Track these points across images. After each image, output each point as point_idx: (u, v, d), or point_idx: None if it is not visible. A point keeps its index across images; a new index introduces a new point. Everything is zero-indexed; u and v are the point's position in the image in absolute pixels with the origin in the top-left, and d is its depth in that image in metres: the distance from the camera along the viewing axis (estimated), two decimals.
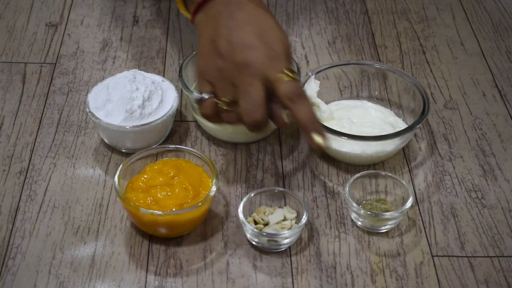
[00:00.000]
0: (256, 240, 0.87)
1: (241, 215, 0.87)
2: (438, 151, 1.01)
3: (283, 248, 0.88)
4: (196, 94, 0.89)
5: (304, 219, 0.87)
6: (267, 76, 0.83)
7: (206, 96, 0.87)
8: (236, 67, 0.83)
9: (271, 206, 0.91)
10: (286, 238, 0.86)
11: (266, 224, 0.88)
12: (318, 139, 0.82)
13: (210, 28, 0.87)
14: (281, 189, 0.91)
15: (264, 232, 0.86)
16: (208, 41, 0.86)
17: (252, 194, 0.90)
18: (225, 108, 0.86)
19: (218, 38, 0.85)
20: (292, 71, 0.83)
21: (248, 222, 0.87)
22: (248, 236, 0.88)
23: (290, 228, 0.87)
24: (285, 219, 0.89)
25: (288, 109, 0.83)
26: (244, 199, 0.89)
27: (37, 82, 1.10)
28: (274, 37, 0.85)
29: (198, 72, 0.88)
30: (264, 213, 0.89)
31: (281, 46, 0.84)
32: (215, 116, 0.87)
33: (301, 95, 0.83)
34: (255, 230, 0.86)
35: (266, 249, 0.88)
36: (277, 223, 0.88)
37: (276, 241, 0.87)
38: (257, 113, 0.83)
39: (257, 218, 0.88)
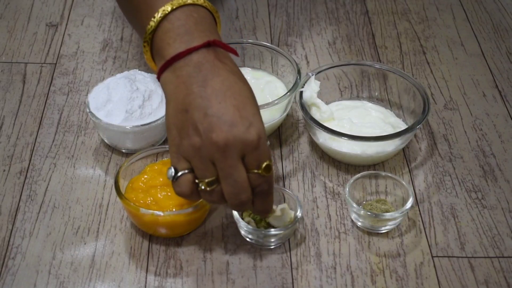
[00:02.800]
0: (250, 236, 0.87)
1: (235, 212, 0.87)
2: (438, 151, 1.01)
3: (278, 244, 0.88)
4: (172, 171, 0.80)
5: (298, 215, 0.87)
6: (246, 159, 0.78)
7: (185, 171, 0.79)
8: (216, 147, 0.76)
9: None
10: (279, 234, 0.87)
11: (261, 220, 0.89)
12: (262, 216, 0.86)
13: (180, 94, 0.78)
14: (275, 186, 0.91)
15: (257, 229, 0.86)
16: (180, 110, 0.78)
17: None
18: (206, 188, 0.79)
19: (192, 110, 0.77)
20: (267, 169, 0.79)
21: (244, 218, 0.87)
22: (243, 232, 0.88)
23: (284, 224, 0.88)
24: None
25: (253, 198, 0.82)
26: None
27: (37, 82, 1.10)
28: (252, 110, 0.78)
29: (169, 144, 0.80)
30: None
31: (260, 125, 0.78)
32: (192, 194, 0.80)
33: (266, 192, 0.81)
34: (249, 226, 0.86)
35: (261, 245, 0.88)
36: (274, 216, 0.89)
37: (270, 237, 0.87)
38: (242, 195, 0.79)
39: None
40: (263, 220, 0.88)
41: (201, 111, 0.77)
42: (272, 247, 0.88)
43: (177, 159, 0.80)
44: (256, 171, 0.79)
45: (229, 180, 0.78)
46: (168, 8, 0.81)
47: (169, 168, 0.80)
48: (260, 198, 0.82)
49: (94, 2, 1.26)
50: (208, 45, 0.80)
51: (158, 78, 0.83)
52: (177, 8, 0.82)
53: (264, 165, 0.79)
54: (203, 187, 0.79)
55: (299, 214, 0.87)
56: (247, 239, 0.88)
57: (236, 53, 0.84)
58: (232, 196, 0.79)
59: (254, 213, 0.86)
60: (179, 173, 0.79)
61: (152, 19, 0.82)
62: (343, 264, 0.87)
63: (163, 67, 0.81)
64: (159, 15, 0.81)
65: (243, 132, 0.77)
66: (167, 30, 0.81)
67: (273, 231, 0.86)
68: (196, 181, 0.79)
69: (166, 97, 0.81)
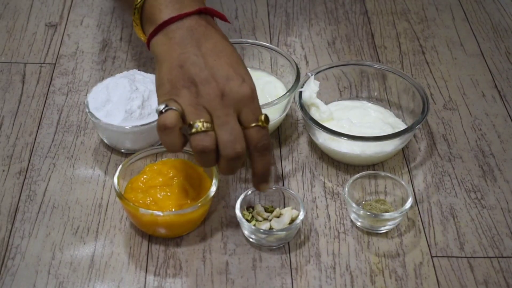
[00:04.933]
0: (253, 236, 0.88)
1: (238, 212, 0.87)
2: (437, 151, 1.01)
3: (280, 245, 0.88)
4: (163, 105, 0.80)
5: (301, 216, 0.87)
6: (243, 114, 0.80)
7: (175, 109, 0.80)
8: (214, 96, 0.79)
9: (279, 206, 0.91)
10: (283, 235, 0.87)
11: (265, 219, 0.89)
12: (263, 188, 0.86)
13: (175, 53, 0.82)
14: (278, 186, 0.91)
15: (261, 229, 0.86)
16: (175, 66, 0.81)
17: (250, 192, 0.90)
18: (201, 128, 0.79)
19: (187, 65, 0.81)
20: (267, 120, 0.81)
21: (244, 214, 0.88)
22: (246, 233, 0.88)
23: (287, 225, 0.88)
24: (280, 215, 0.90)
25: (249, 154, 0.82)
26: (242, 196, 0.89)
27: (36, 82, 1.10)
28: (244, 69, 0.83)
29: (159, 95, 0.82)
30: (270, 211, 0.90)
31: (252, 82, 0.82)
32: (174, 128, 0.79)
33: (268, 147, 0.82)
34: (252, 227, 0.86)
35: (263, 246, 0.88)
36: (277, 216, 0.89)
37: (272, 237, 0.87)
38: (238, 145, 0.79)
39: (255, 214, 0.89)
40: (266, 220, 0.88)
41: (197, 66, 0.81)
42: (274, 247, 0.88)
43: (168, 100, 0.80)
44: (254, 124, 0.80)
45: (226, 127, 0.79)
46: None
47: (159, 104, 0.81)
48: (261, 155, 0.82)
49: (93, 2, 1.26)
50: (199, 12, 0.84)
51: (148, 43, 0.85)
52: None
53: (262, 116, 0.81)
54: (198, 126, 0.79)
55: (301, 214, 0.87)
56: (250, 240, 0.88)
57: (226, 19, 0.89)
58: (228, 145, 0.79)
59: (255, 180, 0.84)
60: (169, 107, 0.80)
61: None
62: (342, 264, 0.87)
63: (155, 31, 0.85)
64: None
65: (238, 86, 0.80)
66: None
67: (276, 231, 0.86)
68: (191, 122, 0.79)
69: (157, 58, 0.84)
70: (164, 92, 0.81)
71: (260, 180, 0.85)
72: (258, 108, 0.81)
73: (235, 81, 0.80)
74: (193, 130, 0.79)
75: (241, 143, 0.80)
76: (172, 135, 0.80)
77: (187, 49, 0.82)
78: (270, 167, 0.84)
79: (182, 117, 0.80)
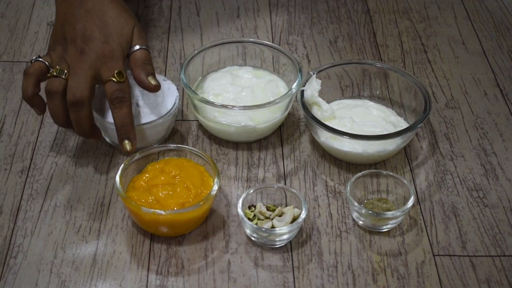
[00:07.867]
0: (255, 235, 0.88)
1: (240, 211, 0.87)
2: (439, 150, 1.01)
3: (282, 243, 0.88)
4: (36, 57, 0.92)
5: (303, 215, 0.87)
6: (99, 73, 0.91)
7: (43, 61, 0.91)
8: (74, 52, 0.91)
9: (281, 205, 0.91)
10: (285, 233, 0.87)
11: (267, 217, 0.89)
12: (126, 145, 0.92)
13: (61, 13, 0.95)
14: (280, 185, 0.91)
15: (263, 228, 0.86)
16: (59, 25, 0.94)
17: (251, 191, 0.90)
18: (53, 73, 0.90)
19: (66, 24, 0.93)
20: (120, 75, 0.90)
21: (246, 213, 0.88)
22: (248, 232, 0.88)
23: (289, 223, 0.88)
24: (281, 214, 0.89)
25: (111, 109, 0.91)
26: (244, 195, 0.89)
27: None
28: (113, 29, 0.92)
29: (49, 47, 0.95)
30: (273, 211, 0.90)
31: (117, 40, 0.92)
32: (32, 75, 0.90)
33: (122, 100, 0.90)
34: (254, 226, 0.86)
35: (265, 245, 0.88)
36: (279, 215, 0.88)
37: (274, 236, 0.87)
38: (78, 91, 0.89)
39: (257, 213, 0.89)
40: (267, 218, 0.88)
41: (71, 25, 0.93)
42: (276, 246, 0.88)
43: (47, 55, 0.93)
44: (109, 79, 0.90)
45: (75, 77, 0.89)
46: None
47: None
48: (115, 107, 0.90)
49: None
50: None
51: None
52: None
53: (116, 71, 0.90)
54: (54, 74, 0.90)
55: (303, 213, 0.87)
56: (252, 238, 0.88)
57: None
58: (70, 91, 0.89)
59: (118, 137, 0.91)
60: (38, 59, 0.91)
61: None
62: (344, 263, 0.87)
63: None
64: None
65: (98, 46, 0.91)
66: None
67: (278, 230, 0.86)
68: (51, 70, 0.91)
69: (55, 15, 0.97)
70: (49, 44, 0.95)
71: (121, 135, 0.91)
72: (116, 65, 0.91)
73: (95, 41, 0.91)
74: (48, 74, 0.91)
75: (81, 91, 0.89)
76: (28, 80, 0.91)
77: (70, 10, 0.93)
78: (129, 122, 0.91)
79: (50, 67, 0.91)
